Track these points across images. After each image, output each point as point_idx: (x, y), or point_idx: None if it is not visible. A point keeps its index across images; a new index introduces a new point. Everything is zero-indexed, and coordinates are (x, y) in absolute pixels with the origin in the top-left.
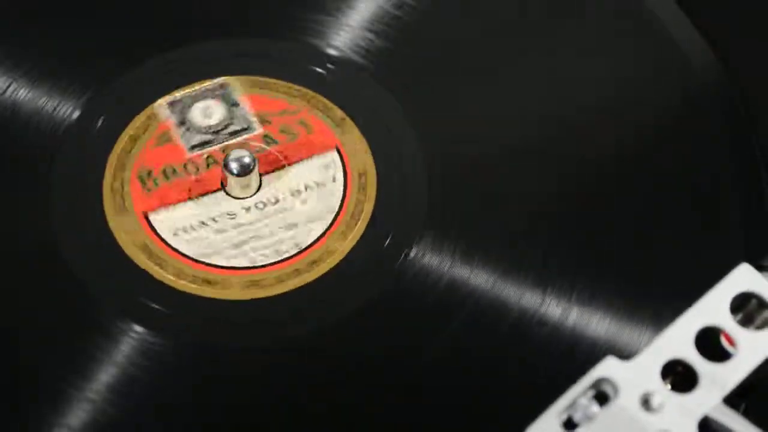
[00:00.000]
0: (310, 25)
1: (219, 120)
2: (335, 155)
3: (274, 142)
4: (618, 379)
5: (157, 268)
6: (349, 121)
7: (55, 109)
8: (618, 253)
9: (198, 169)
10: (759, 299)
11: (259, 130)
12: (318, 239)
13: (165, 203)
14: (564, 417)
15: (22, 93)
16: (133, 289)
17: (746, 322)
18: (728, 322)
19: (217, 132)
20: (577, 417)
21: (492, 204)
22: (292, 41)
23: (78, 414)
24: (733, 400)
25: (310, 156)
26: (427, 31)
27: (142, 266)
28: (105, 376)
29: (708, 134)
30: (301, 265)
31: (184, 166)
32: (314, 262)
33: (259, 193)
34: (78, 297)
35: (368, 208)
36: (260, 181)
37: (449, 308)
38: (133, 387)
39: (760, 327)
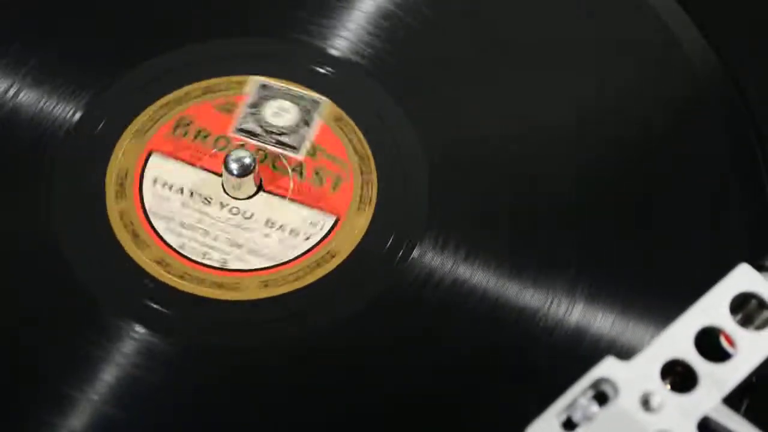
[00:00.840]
0: (311, 26)
1: (282, 125)
2: (329, 222)
3: (301, 175)
4: (618, 379)
5: (158, 267)
6: (370, 207)
7: (56, 109)
8: (620, 253)
9: (223, 148)
10: (759, 299)
11: (301, 157)
12: (235, 270)
13: (173, 154)
14: (563, 417)
15: (23, 94)
16: (134, 290)
17: (746, 322)
18: (728, 323)
19: (270, 132)
20: (576, 417)
21: (493, 204)
22: (295, 42)
23: (78, 414)
24: (733, 400)
25: (311, 206)
26: (428, 31)
27: (144, 266)
28: (105, 376)
29: (708, 134)
30: (303, 265)
31: (217, 138)
32: (316, 263)
33: (244, 201)
34: (78, 297)
35: (370, 208)
36: (256, 191)
37: (452, 308)
38: (134, 387)
39: (759, 327)
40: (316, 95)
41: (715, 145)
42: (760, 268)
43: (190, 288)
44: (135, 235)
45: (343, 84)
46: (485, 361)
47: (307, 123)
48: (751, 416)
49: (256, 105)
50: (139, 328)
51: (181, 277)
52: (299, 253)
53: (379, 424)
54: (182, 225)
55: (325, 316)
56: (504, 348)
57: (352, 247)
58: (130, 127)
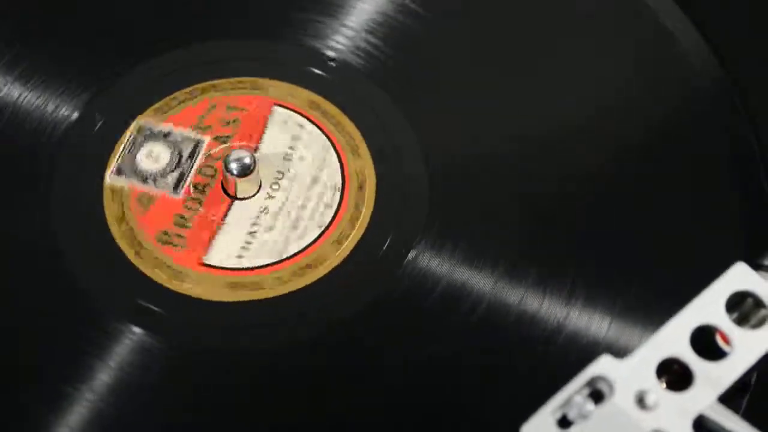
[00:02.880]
0: (310, 26)
1: (169, 156)
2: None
3: (227, 137)
4: (613, 377)
5: (156, 270)
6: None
7: (55, 109)
8: (619, 253)
9: (200, 200)
10: (755, 298)
11: (206, 138)
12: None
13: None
14: (558, 415)
15: (22, 93)
16: (133, 290)
17: (742, 321)
18: (724, 321)
19: (179, 164)
20: (571, 415)
21: (492, 205)
22: (291, 43)
23: (78, 414)
24: (732, 399)
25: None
26: (427, 31)
27: (142, 268)
28: (104, 376)
29: (708, 134)
30: (300, 266)
31: (186, 207)
32: (313, 265)
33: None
34: (78, 297)
35: (367, 210)
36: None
37: (449, 310)
38: (133, 388)
39: (755, 326)
40: (130, 128)
41: (714, 145)
42: (756, 267)
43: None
44: (128, 226)
45: (342, 85)
46: (485, 362)
47: (165, 134)
48: (751, 416)
49: (144, 178)
50: (137, 329)
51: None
52: (290, 255)
53: (378, 426)
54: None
55: (322, 319)
56: (503, 349)
57: (349, 250)
58: (127, 131)
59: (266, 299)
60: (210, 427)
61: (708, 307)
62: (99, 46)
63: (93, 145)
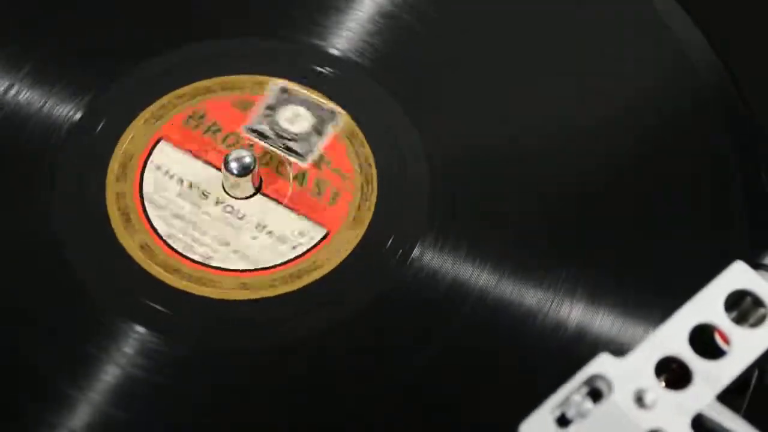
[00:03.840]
0: (311, 25)
1: (293, 131)
2: (319, 235)
3: (301, 183)
4: (612, 375)
5: (158, 268)
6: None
7: (57, 109)
8: (619, 252)
9: (231, 145)
10: (754, 297)
11: (305, 165)
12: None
13: (181, 145)
14: (557, 413)
15: (23, 94)
16: (135, 290)
17: (741, 319)
18: (723, 320)
19: (280, 137)
20: (570, 413)
21: (494, 205)
22: (292, 41)
23: (78, 414)
24: (732, 399)
25: (303, 216)
26: (428, 31)
27: (144, 266)
28: (105, 376)
29: (708, 134)
30: (303, 266)
31: (227, 135)
32: (316, 264)
33: (241, 201)
34: (79, 297)
35: (370, 208)
36: (254, 192)
37: (451, 308)
38: (134, 387)
39: (754, 325)
40: (335, 107)
41: (714, 144)
42: (755, 265)
43: (191, 288)
44: (127, 220)
45: (343, 84)
46: (488, 360)
47: (319, 133)
48: (751, 416)
49: (272, 107)
50: (139, 328)
51: (163, 267)
52: (283, 261)
53: (378, 425)
54: (175, 216)
55: (325, 318)
56: (506, 348)
57: (352, 248)
58: (136, 121)
59: (267, 299)
60: (210, 427)
61: (707, 305)
62: (100, 47)
63: (95, 145)
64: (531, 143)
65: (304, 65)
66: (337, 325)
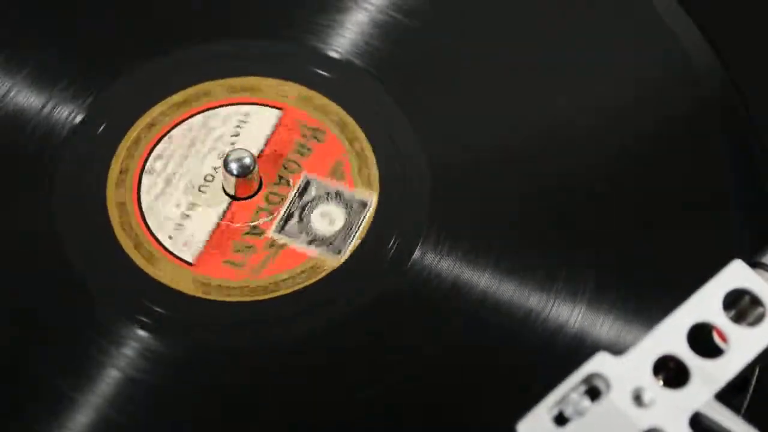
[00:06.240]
0: (311, 26)
1: (344, 220)
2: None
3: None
4: (610, 374)
5: (157, 270)
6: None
7: (58, 111)
8: (618, 251)
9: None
10: (751, 296)
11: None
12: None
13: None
14: (555, 412)
15: (24, 96)
16: (135, 291)
17: (739, 318)
18: (720, 319)
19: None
20: (568, 412)
21: (495, 205)
22: (293, 43)
23: (78, 415)
24: (732, 398)
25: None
26: (429, 32)
27: (144, 267)
28: (105, 377)
29: (708, 134)
30: (304, 267)
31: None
32: (316, 265)
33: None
34: (79, 298)
35: (371, 210)
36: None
37: (453, 309)
38: (134, 389)
39: (752, 324)
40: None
41: (714, 144)
42: (753, 264)
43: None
44: (127, 221)
45: (344, 84)
46: (489, 361)
47: (350, 205)
48: (751, 416)
49: (301, 217)
50: (139, 331)
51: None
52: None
53: (378, 425)
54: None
55: (326, 318)
56: (507, 348)
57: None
58: (137, 123)
59: (268, 300)
60: (210, 428)
61: (705, 304)
62: (101, 48)
63: (96, 147)
64: (531, 143)
65: (305, 65)
66: (337, 326)
